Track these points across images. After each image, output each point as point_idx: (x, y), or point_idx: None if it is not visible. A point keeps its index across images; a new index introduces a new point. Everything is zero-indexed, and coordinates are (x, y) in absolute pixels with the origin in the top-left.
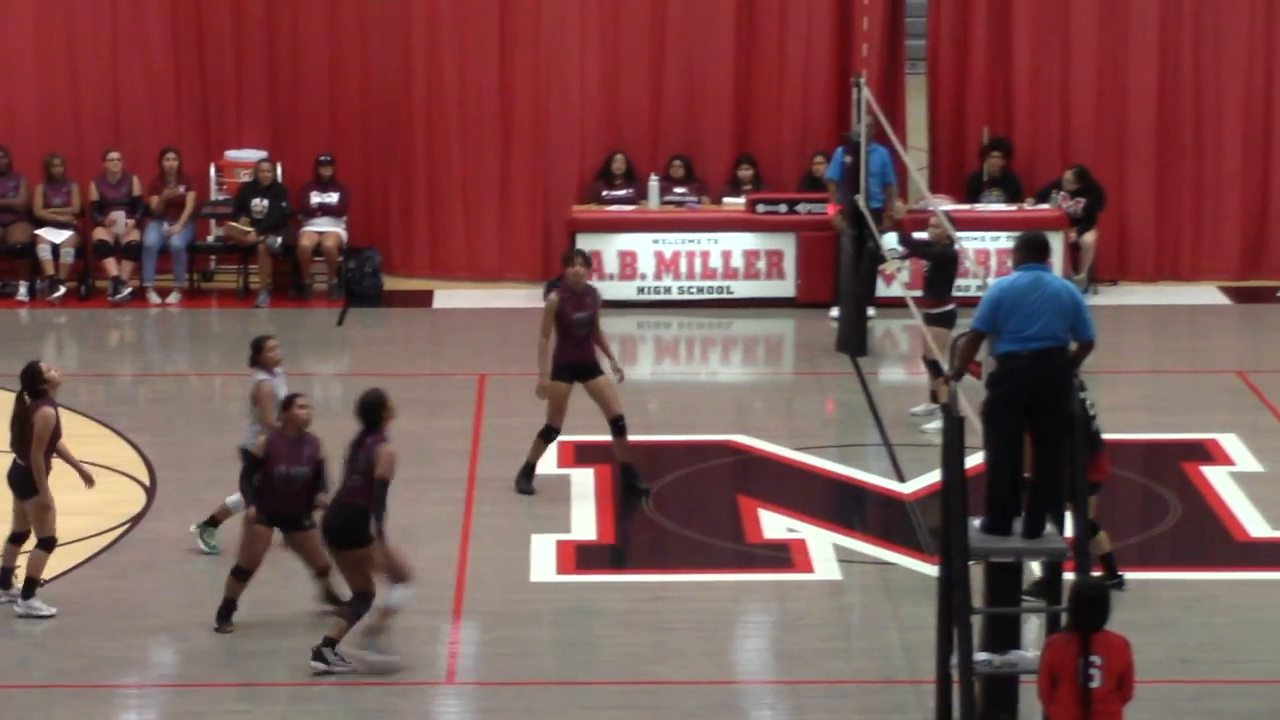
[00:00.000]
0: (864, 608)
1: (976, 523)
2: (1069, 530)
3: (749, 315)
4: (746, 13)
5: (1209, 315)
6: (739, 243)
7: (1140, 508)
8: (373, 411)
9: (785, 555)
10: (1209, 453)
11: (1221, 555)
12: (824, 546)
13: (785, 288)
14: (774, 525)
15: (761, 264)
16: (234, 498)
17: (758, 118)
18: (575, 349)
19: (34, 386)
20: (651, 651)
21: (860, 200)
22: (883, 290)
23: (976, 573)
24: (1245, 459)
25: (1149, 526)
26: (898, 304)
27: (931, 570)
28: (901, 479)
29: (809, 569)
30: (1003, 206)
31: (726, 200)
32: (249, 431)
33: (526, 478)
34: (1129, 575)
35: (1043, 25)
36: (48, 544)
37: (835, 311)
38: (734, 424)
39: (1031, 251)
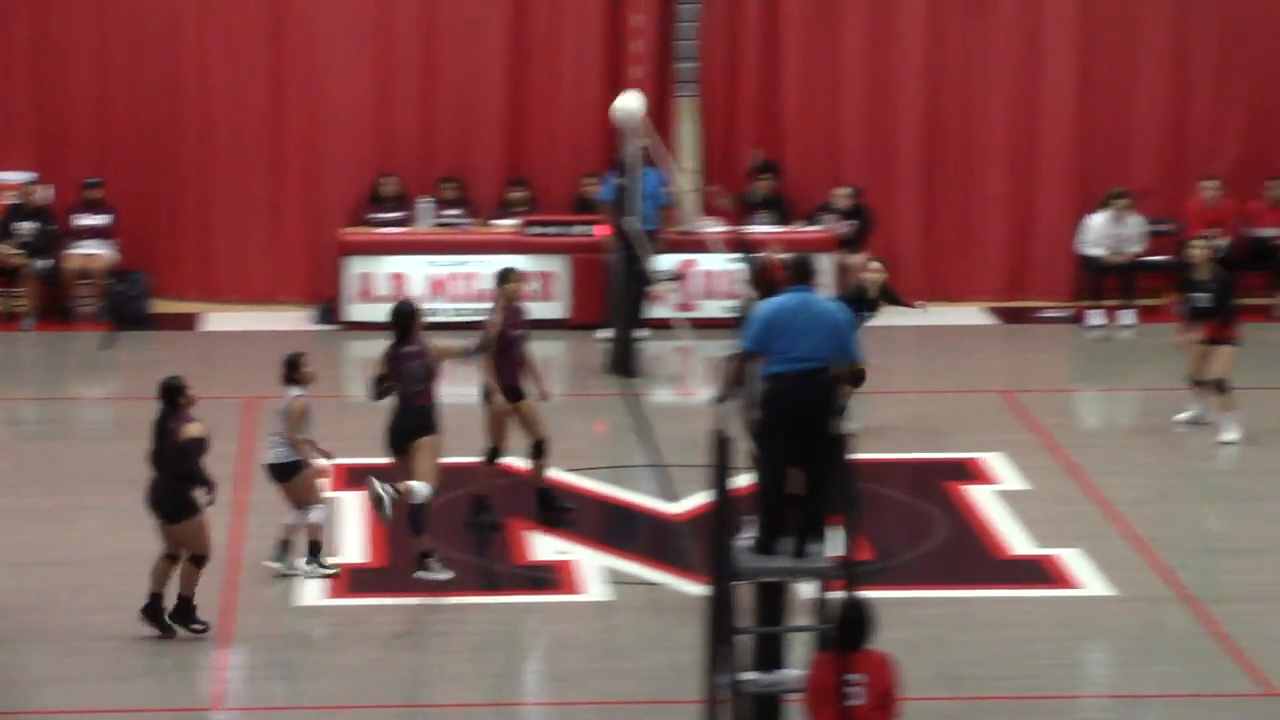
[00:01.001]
0: (634, 628)
1: (746, 542)
2: (834, 549)
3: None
4: (517, 34)
5: (975, 336)
6: (511, 264)
7: (906, 527)
8: (173, 395)
9: (555, 576)
10: (973, 472)
11: (985, 573)
12: (594, 568)
13: (557, 309)
14: (544, 547)
15: (534, 286)
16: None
17: (529, 140)
18: (512, 369)
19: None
20: (423, 674)
21: (631, 222)
22: (653, 312)
23: (745, 593)
24: (1009, 477)
25: (914, 545)
26: (667, 325)
27: (699, 590)
28: (671, 500)
29: (579, 590)
30: (773, 228)
31: (498, 222)
32: (273, 448)
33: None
34: (896, 594)
35: (812, 49)
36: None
37: (605, 333)
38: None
39: (800, 273)
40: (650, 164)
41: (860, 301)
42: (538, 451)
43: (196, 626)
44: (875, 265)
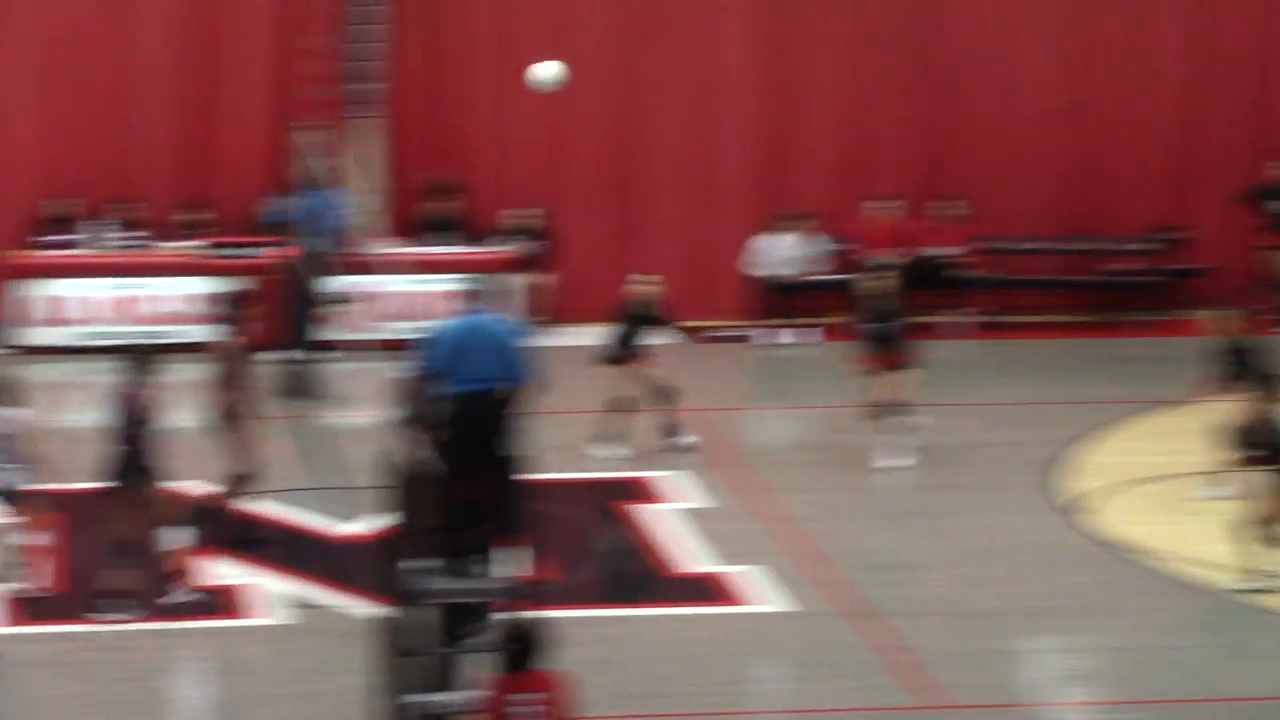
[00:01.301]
0: (307, 652)
1: (424, 563)
2: (510, 569)
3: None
4: (186, 55)
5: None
6: (187, 287)
7: (584, 546)
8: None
9: (227, 600)
10: (654, 490)
11: (663, 591)
12: (268, 591)
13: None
14: (217, 571)
15: (210, 308)
16: None
17: (202, 161)
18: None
19: None
20: (83, 703)
21: (306, 245)
22: (330, 334)
23: (420, 614)
24: (686, 495)
25: (592, 564)
26: (345, 347)
27: (375, 612)
28: (348, 521)
29: (252, 614)
30: (451, 249)
31: (173, 245)
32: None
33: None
34: (571, 614)
35: (493, 70)
36: None
37: (281, 355)
38: (181, 470)
39: (476, 295)
40: (326, 186)
41: (640, 318)
42: (239, 481)
43: None
44: (651, 279)
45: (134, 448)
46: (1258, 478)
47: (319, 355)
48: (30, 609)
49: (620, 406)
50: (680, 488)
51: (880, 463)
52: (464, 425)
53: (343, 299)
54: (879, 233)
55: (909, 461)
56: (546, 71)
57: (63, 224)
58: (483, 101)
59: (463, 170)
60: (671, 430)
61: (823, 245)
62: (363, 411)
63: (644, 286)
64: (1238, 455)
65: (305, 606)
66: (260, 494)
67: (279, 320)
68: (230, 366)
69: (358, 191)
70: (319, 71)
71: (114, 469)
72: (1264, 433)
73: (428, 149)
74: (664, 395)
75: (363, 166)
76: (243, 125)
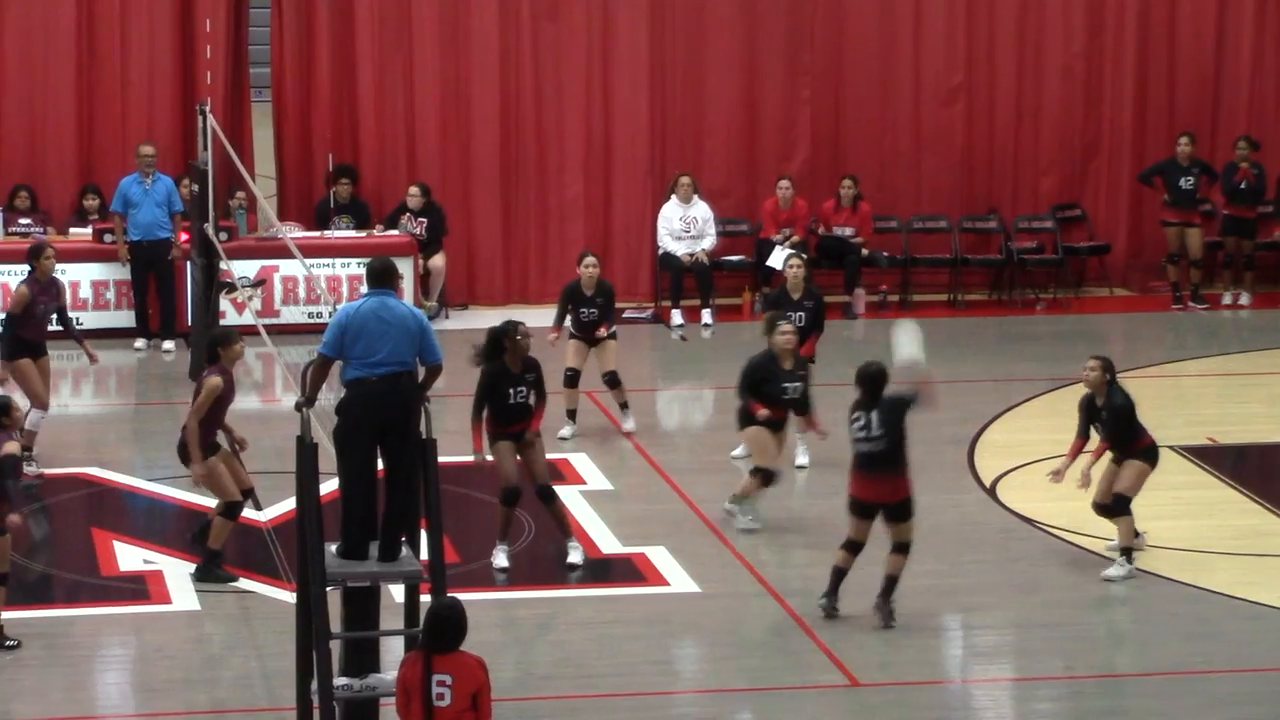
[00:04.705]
0: (224, 636)
1: (334, 548)
2: (421, 552)
3: (98, 346)
4: (87, 38)
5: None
6: (88, 273)
7: (491, 529)
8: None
9: (142, 587)
10: (561, 472)
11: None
12: (181, 577)
13: (138, 318)
14: (130, 557)
15: (111, 294)
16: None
17: (102, 146)
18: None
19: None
20: (8, 689)
21: (209, 229)
22: (234, 319)
23: (335, 598)
24: (595, 477)
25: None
26: (249, 332)
27: (290, 597)
28: (258, 507)
29: (167, 600)
30: (352, 233)
31: (74, 231)
32: None
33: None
34: (484, 596)
35: (385, 52)
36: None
37: (170, 344)
38: (86, 456)
39: (379, 277)
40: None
41: (579, 298)
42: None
43: (9, 643)
44: (590, 261)
45: None
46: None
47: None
48: None
49: (573, 383)
50: (585, 469)
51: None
52: (368, 409)
53: (244, 284)
54: (781, 212)
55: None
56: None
57: None
58: (374, 81)
59: (358, 152)
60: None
61: (712, 212)
62: (266, 397)
63: (590, 269)
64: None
65: (221, 591)
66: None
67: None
68: None
69: (258, 175)
70: (215, 53)
71: None
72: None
73: (323, 131)
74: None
75: (260, 150)
76: (146, 109)
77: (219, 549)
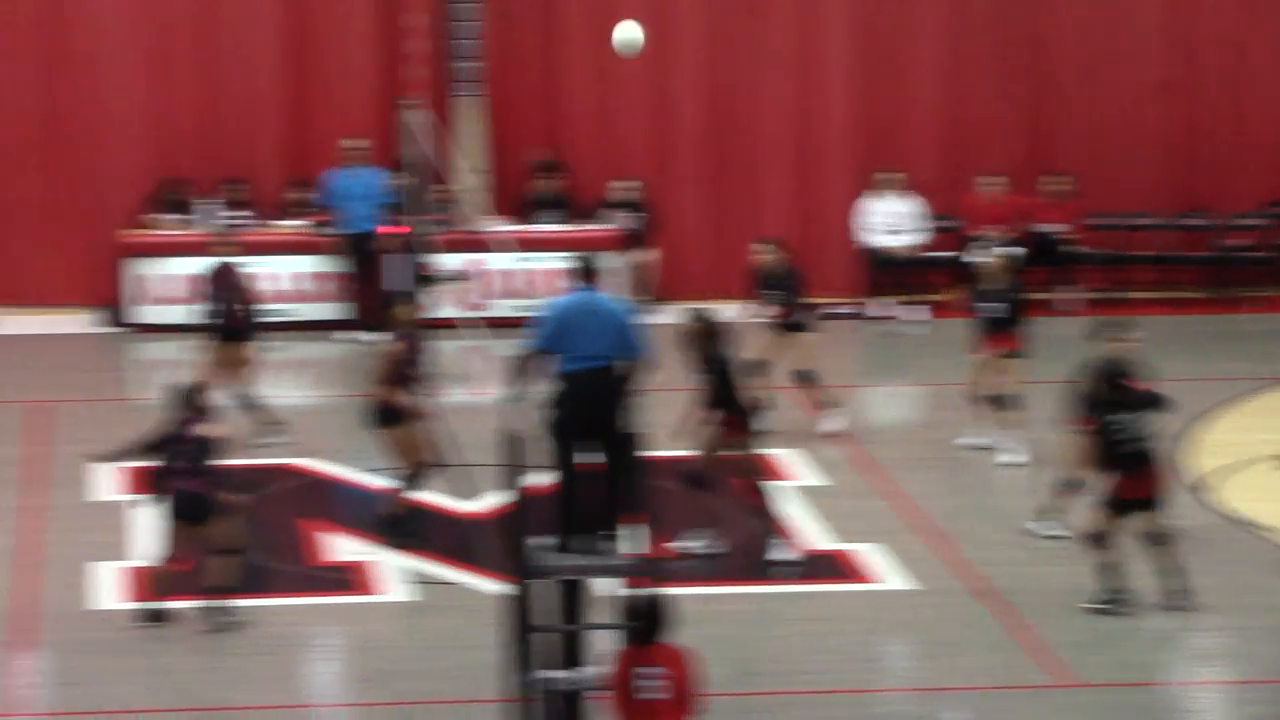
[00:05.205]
0: (433, 628)
1: (544, 541)
2: (632, 546)
3: (313, 338)
4: (293, 35)
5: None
6: (296, 266)
7: (703, 523)
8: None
9: (354, 577)
10: (770, 468)
11: (775, 569)
12: (394, 568)
13: (349, 309)
14: (342, 548)
15: (323, 286)
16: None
17: (310, 141)
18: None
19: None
20: (221, 676)
21: (415, 222)
22: (440, 313)
23: (544, 590)
24: (807, 473)
25: (712, 542)
26: (455, 325)
27: (500, 589)
28: (468, 498)
29: (376, 591)
30: (558, 227)
31: (281, 223)
32: None
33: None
34: (694, 591)
35: (592, 46)
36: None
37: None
38: (295, 448)
39: (584, 271)
40: (378, 164)
41: (773, 282)
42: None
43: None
44: (759, 248)
45: (190, 485)
46: None
47: (429, 333)
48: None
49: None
50: (798, 466)
51: (1005, 458)
52: (577, 402)
53: (450, 276)
54: (987, 209)
55: (1020, 459)
56: (626, 33)
57: (176, 203)
58: (581, 76)
59: (565, 147)
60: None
61: (920, 207)
62: (475, 389)
63: (765, 255)
64: None
65: (432, 583)
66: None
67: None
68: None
69: (466, 170)
70: (421, 49)
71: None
72: None
73: (530, 126)
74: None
75: (466, 145)
76: (350, 103)
77: (401, 513)
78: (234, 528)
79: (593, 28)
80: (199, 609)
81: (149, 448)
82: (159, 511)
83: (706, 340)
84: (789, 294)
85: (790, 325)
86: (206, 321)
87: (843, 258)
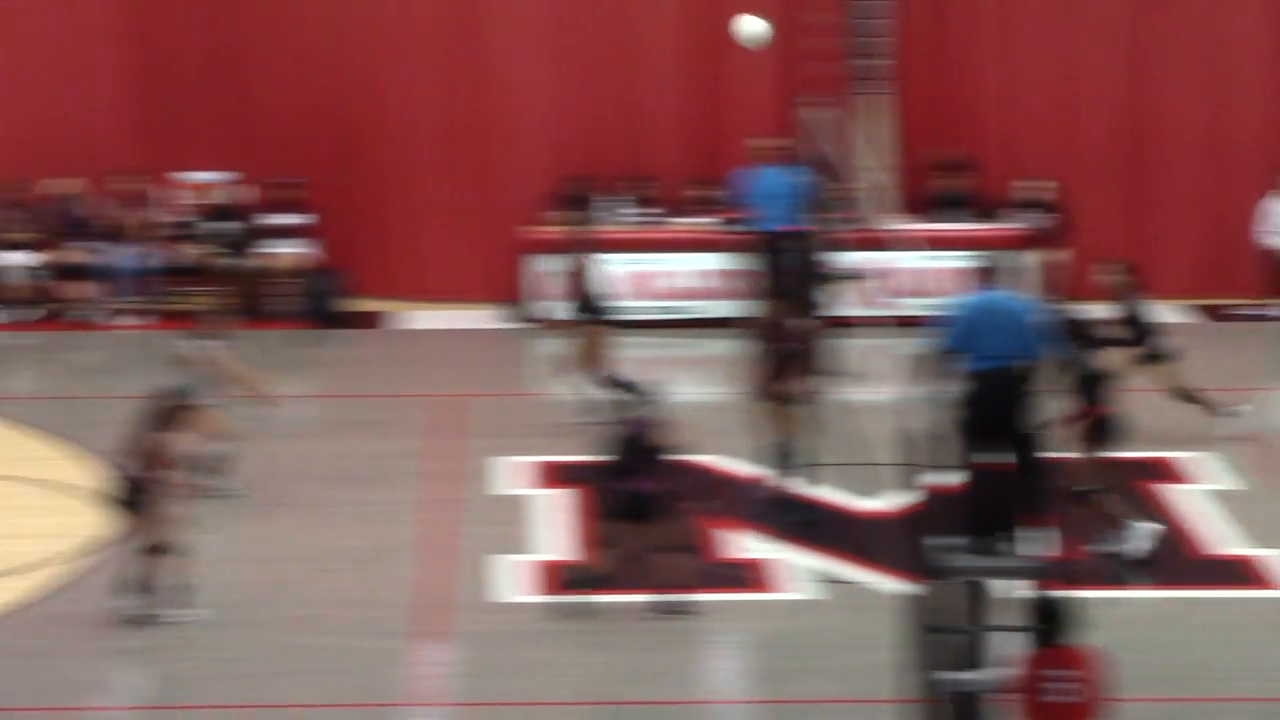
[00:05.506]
0: (837, 627)
1: (949, 541)
2: (1038, 547)
3: (715, 336)
4: (696, 33)
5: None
6: (698, 263)
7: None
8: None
9: (754, 574)
10: (1180, 471)
11: (1192, 573)
12: (800, 567)
13: (750, 306)
14: (749, 545)
15: (726, 284)
16: None
17: (713, 139)
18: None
19: None
20: (621, 672)
21: (819, 220)
22: (843, 311)
23: (948, 591)
24: (1213, 477)
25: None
26: (859, 323)
27: (903, 589)
28: (871, 498)
29: (784, 589)
30: (965, 225)
31: (682, 220)
32: None
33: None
34: (1100, 594)
35: (1002, 44)
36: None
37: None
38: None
39: (990, 271)
40: (786, 163)
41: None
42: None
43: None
44: (1115, 268)
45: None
46: None
47: (831, 331)
48: (565, 579)
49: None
50: (1206, 469)
51: None
52: (983, 402)
53: (853, 274)
54: None
55: None
56: (752, 27)
57: (578, 201)
58: (989, 73)
59: (971, 144)
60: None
61: None
62: (878, 387)
63: (1112, 276)
64: None
65: (835, 582)
66: (789, 471)
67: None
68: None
69: (870, 167)
70: (825, 47)
71: (621, 505)
72: None
73: (935, 123)
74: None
75: (870, 142)
76: (753, 101)
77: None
78: (682, 527)
79: (1001, 23)
80: (650, 603)
81: (610, 449)
82: (601, 509)
83: (1078, 340)
84: (1137, 324)
85: (1149, 357)
86: (578, 315)
87: (1251, 256)
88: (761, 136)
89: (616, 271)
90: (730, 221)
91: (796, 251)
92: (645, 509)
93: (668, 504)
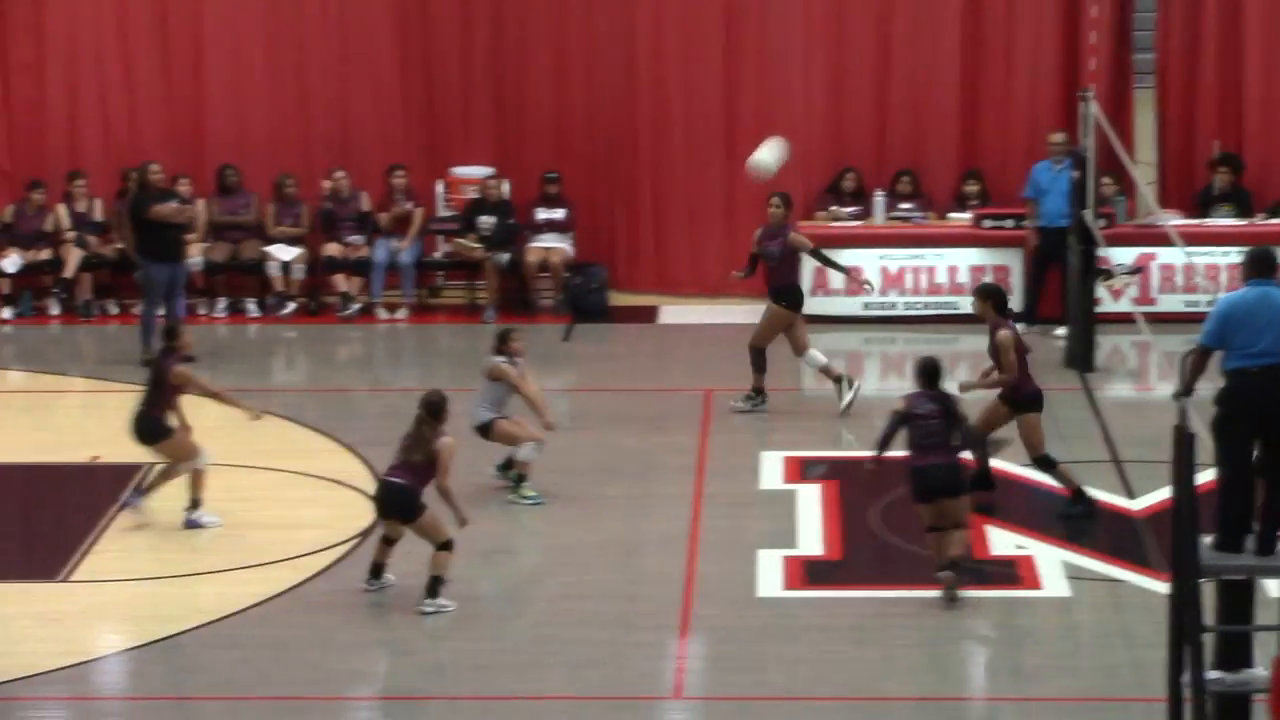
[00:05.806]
0: (1093, 625)
1: (1207, 540)
2: None
3: (975, 331)
4: (972, 27)
5: None
6: (965, 258)
7: None
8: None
9: (1013, 571)
10: None
11: None
12: (1052, 563)
13: (1011, 303)
14: (1002, 541)
15: (988, 279)
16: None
17: (984, 133)
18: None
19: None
20: (879, 668)
21: (1089, 215)
22: (1110, 306)
23: (1208, 590)
24: None
25: None
26: (1124, 319)
27: (1161, 588)
28: (1131, 495)
29: (1037, 585)
30: (1232, 221)
31: (952, 216)
32: (479, 409)
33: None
34: None
35: (1274, 38)
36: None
37: (1061, 330)
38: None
39: (1259, 267)
40: (1068, 158)
41: None
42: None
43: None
44: None
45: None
46: None
47: (1097, 327)
48: (816, 574)
49: None
50: None
51: None
52: (1247, 400)
53: (1126, 270)
54: None
55: None
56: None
57: (851, 196)
58: (1251, 69)
59: (1241, 140)
60: None
61: None
62: (1143, 385)
63: None
64: None
65: (1093, 579)
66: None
67: (1059, 292)
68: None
69: (1138, 162)
70: (1102, 42)
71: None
72: None
73: (1208, 119)
74: None
75: (1142, 137)
76: (1029, 96)
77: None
78: (968, 504)
79: (1269, 19)
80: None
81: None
82: (915, 486)
83: None
84: None
85: None
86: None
87: None
88: (1049, 131)
89: (885, 266)
90: (1020, 217)
91: (1069, 247)
92: (953, 485)
93: (964, 481)
